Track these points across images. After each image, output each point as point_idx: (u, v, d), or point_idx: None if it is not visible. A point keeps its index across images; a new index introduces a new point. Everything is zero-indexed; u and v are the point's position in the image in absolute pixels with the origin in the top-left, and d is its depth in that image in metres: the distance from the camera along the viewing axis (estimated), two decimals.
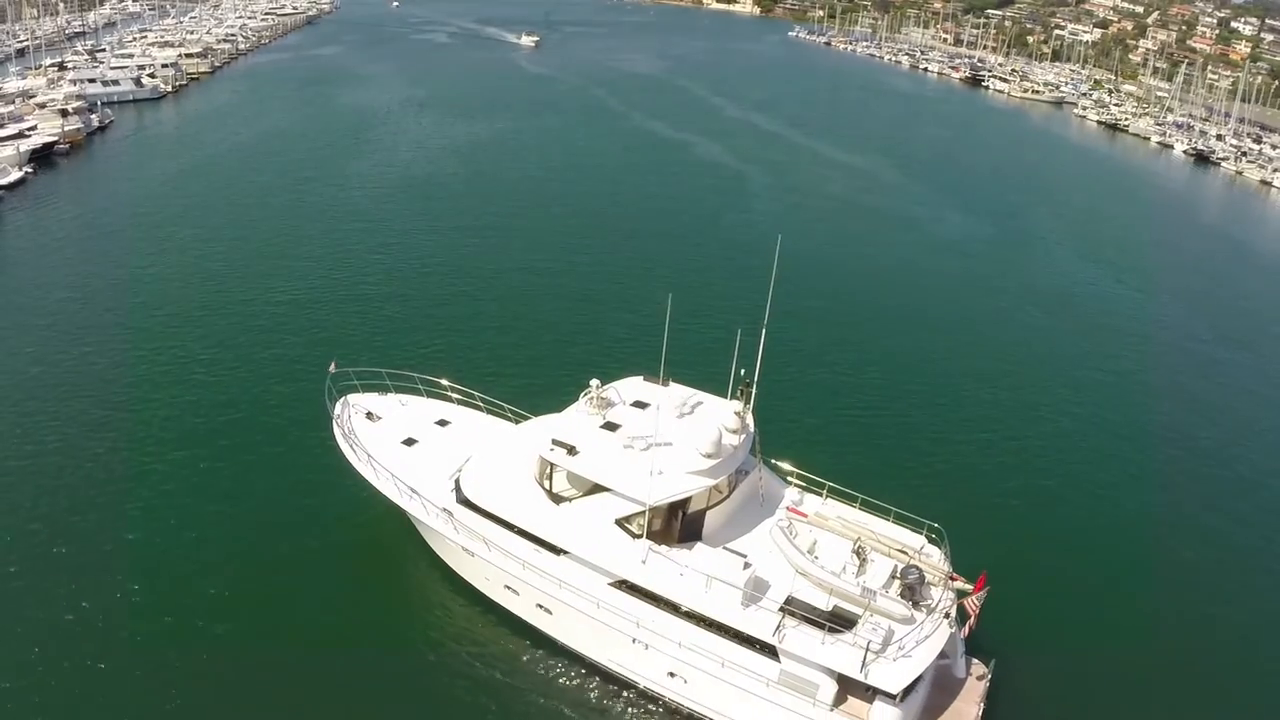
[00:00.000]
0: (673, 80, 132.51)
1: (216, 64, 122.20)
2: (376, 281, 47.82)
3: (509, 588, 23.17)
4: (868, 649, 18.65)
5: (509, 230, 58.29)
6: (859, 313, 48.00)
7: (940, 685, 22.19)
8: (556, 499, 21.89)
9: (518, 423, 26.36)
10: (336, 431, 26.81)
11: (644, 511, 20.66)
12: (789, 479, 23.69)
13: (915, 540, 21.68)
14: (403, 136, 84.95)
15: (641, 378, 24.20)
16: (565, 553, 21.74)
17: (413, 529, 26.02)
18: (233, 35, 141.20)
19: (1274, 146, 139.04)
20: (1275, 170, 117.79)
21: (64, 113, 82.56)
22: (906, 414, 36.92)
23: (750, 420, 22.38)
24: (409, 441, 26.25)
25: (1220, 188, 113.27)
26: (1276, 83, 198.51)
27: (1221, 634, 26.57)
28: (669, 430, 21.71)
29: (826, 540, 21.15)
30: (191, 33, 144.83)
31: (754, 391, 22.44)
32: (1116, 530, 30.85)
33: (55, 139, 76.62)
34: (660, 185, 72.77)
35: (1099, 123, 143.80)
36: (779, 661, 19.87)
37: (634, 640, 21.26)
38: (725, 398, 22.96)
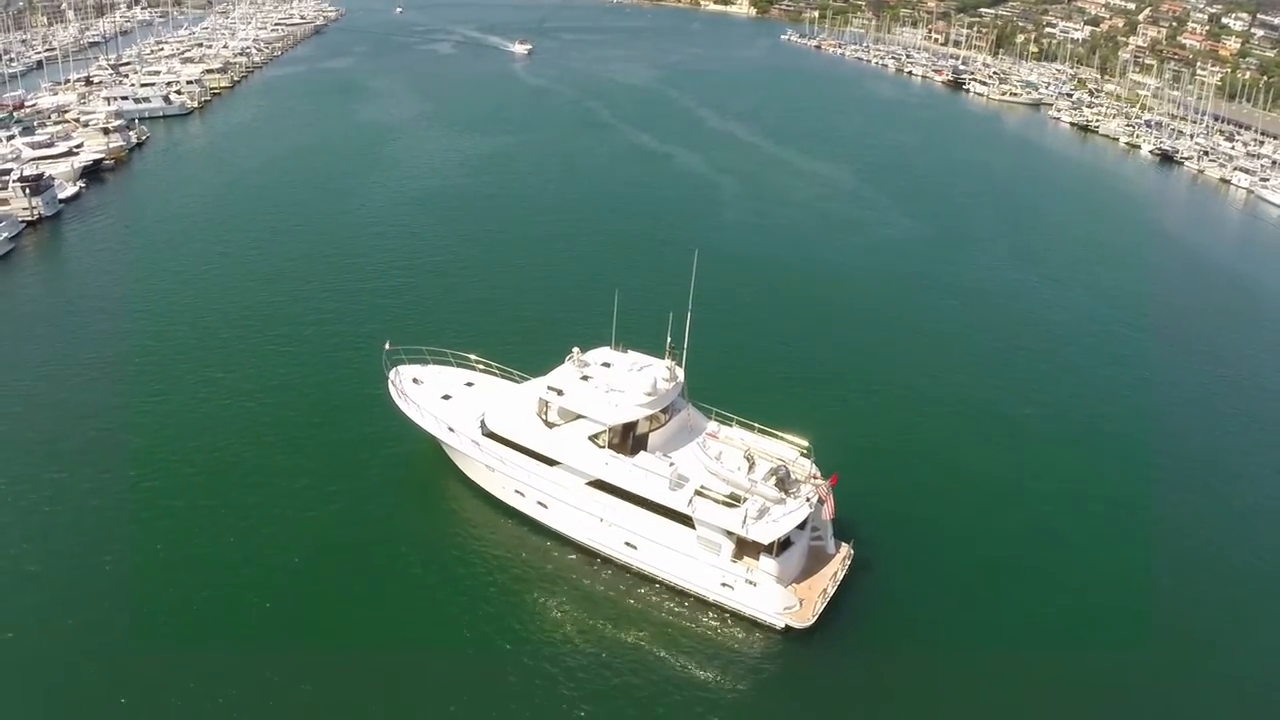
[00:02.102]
0: (662, 91, 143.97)
1: (235, 79, 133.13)
2: (412, 276, 59.94)
3: (518, 492, 34.60)
4: (746, 515, 29.91)
5: (513, 234, 70.12)
6: (780, 299, 60.18)
7: (814, 558, 33.40)
8: (550, 426, 33.32)
9: (521, 383, 37.69)
10: (391, 390, 38.25)
11: (606, 430, 32.10)
12: (710, 415, 35.05)
13: (791, 453, 32.89)
14: (416, 149, 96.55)
15: (609, 347, 35.58)
16: (557, 463, 33.15)
17: (446, 457, 37.46)
18: (247, 49, 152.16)
19: (1245, 144, 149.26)
20: (1236, 169, 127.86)
21: (105, 130, 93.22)
22: (804, 370, 49.69)
23: (680, 373, 33.86)
24: (446, 397, 37.73)
25: (1179, 186, 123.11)
26: (1265, 79, 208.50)
27: (1032, 529, 37.70)
28: (624, 379, 33.14)
29: (730, 452, 32.34)
30: (208, 45, 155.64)
31: (683, 355, 33.93)
32: (963, 458, 42.02)
33: (102, 155, 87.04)
34: (640, 194, 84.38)
35: (1072, 124, 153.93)
36: (695, 530, 31.16)
37: (602, 521, 32.62)
38: (662, 358, 34.44)
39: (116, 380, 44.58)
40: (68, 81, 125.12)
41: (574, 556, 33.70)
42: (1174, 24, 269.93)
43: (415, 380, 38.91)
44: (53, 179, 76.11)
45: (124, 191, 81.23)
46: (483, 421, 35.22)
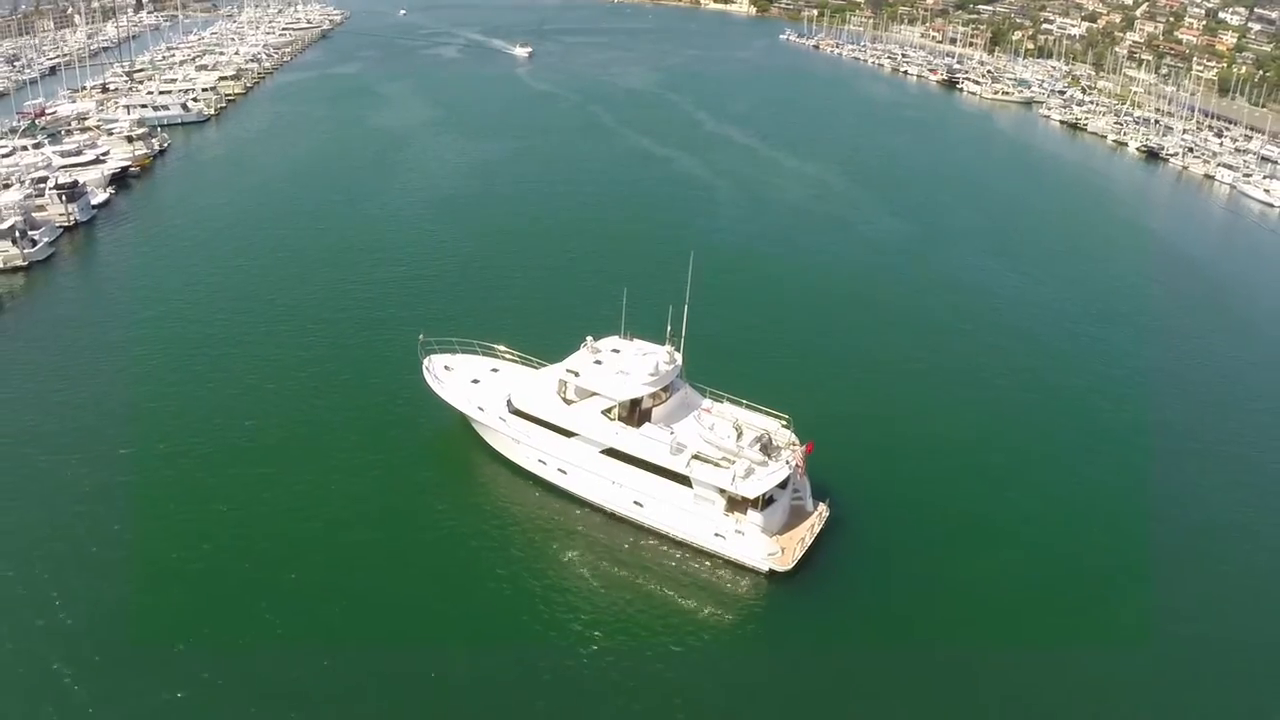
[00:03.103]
0: (661, 95, 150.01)
1: (249, 85, 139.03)
2: (437, 274, 66.63)
3: (541, 461, 40.83)
4: (735, 475, 36.10)
5: (528, 235, 76.64)
6: (769, 292, 66.95)
7: (795, 514, 39.53)
8: (568, 403, 39.55)
9: (540, 368, 43.88)
10: (426, 376, 44.48)
11: (616, 405, 38.30)
12: (705, 393, 41.26)
13: (773, 424, 39.04)
14: (430, 155, 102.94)
15: (618, 336, 41.75)
16: (574, 434, 39.35)
17: (474, 433, 43.74)
18: (257, 55, 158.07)
19: (1234, 139, 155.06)
20: (1219, 165, 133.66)
21: (129, 138, 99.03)
22: (788, 354, 56.26)
23: (678, 358, 40.12)
24: (475, 381, 44.02)
25: (1162, 182, 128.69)
26: (1260, 73, 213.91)
27: (989, 485, 43.82)
28: (631, 363, 39.35)
29: (721, 424, 38.43)
30: (220, 51, 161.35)
31: (681, 342, 40.15)
32: (930, 433, 48.14)
33: (128, 163, 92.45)
34: (643, 197, 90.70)
35: (1061, 122, 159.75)
36: (692, 489, 37.33)
37: (613, 483, 38.83)
38: (664, 345, 40.62)
39: (164, 365, 51.14)
40: (84, 88, 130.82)
41: (589, 514, 39.97)
42: (1171, 19, 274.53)
43: (446, 367, 45.17)
44: (85, 186, 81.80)
45: (151, 197, 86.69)
46: (509, 401, 41.48)
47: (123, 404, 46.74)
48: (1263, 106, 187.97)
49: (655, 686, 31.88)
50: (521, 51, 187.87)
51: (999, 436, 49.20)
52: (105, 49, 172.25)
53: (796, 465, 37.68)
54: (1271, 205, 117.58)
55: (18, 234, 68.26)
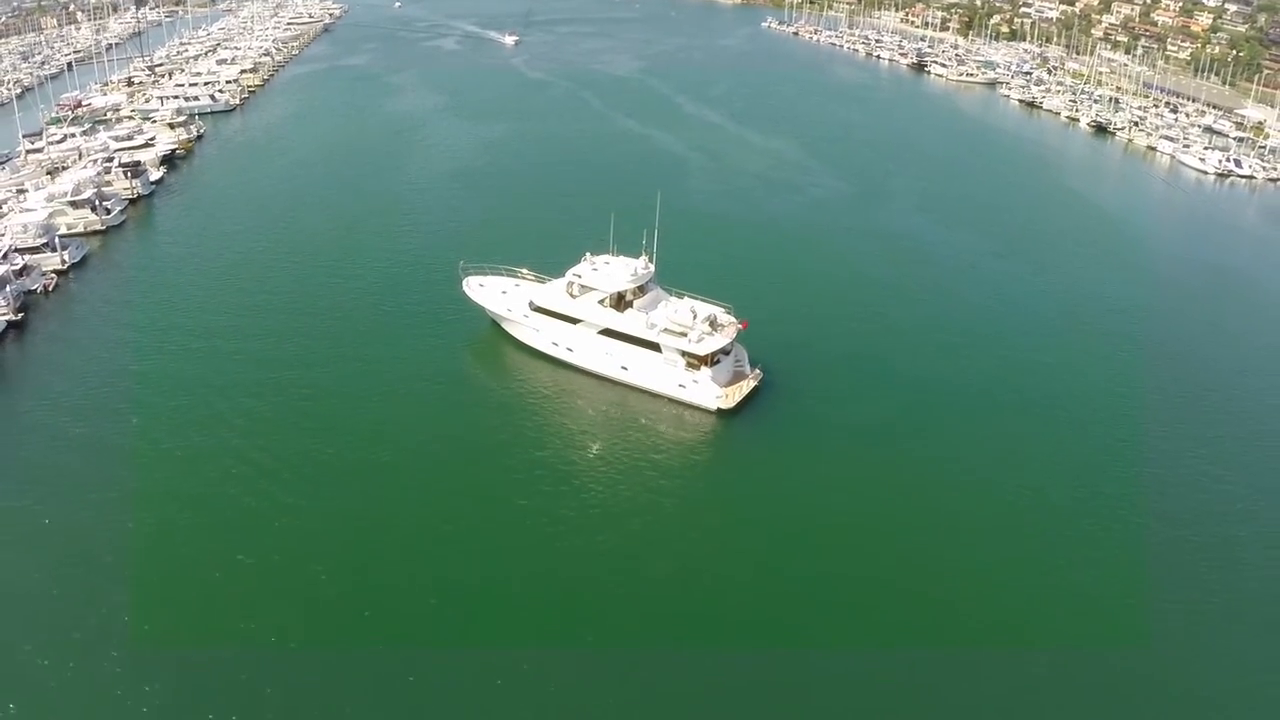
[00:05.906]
0: (644, 80, 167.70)
1: (266, 77, 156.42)
2: (466, 222, 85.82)
3: (554, 344, 59.02)
4: (691, 340, 54.23)
5: (534, 194, 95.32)
6: (724, 227, 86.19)
7: (737, 377, 57.60)
8: (574, 298, 57.62)
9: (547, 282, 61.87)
10: (465, 289, 62.67)
11: (608, 295, 56.49)
12: (671, 291, 59.24)
13: (719, 310, 56.99)
14: (441, 135, 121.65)
15: (609, 253, 59.66)
16: (579, 320, 57.49)
17: (501, 332, 62.06)
18: (269, 50, 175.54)
19: (1187, 115, 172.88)
20: (1162, 137, 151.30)
21: (171, 125, 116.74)
22: (732, 266, 75.28)
23: (651, 266, 58.18)
24: (504, 292, 62.15)
25: (1106, 152, 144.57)
26: (1234, 53, 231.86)
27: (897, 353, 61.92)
28: (618, 268, 57.52)
29: (682, 309, 56.14)
30: (234, 46, 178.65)
31: (654, 254, 58.29)
32: (843, 325, 66.32)
33: (175, 146, 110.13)
34: (627, 166, 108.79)
35: (1020, 101, 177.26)
36: (661, 354, 55.46)
37: (606, 354, 56.99)
38: (639, 256, 58.79)
39: (239, 297, 68.69)
40: (111, 82, 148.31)
41: (589, 380, 58.27)
42: (1149, 1, 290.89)
43: (480, 285, 63.35)
44: (145, 165, 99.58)
45: (199, 175, 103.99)
46: (530, 301, 59.72)
47: (206, 327, 63.73)
48: (1232, 85, 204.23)
49: (640, 481, 49.22)
50: (509, 39, 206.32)
51: (891, 331, 67.34)
52: (115, 45, 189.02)
53: (737, 329, 55.89)
54: (1205, 172, 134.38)
55: (95, 203, 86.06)
